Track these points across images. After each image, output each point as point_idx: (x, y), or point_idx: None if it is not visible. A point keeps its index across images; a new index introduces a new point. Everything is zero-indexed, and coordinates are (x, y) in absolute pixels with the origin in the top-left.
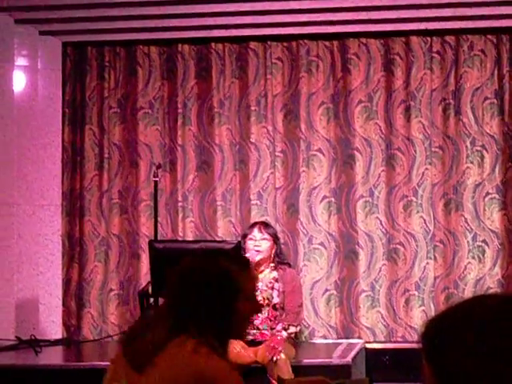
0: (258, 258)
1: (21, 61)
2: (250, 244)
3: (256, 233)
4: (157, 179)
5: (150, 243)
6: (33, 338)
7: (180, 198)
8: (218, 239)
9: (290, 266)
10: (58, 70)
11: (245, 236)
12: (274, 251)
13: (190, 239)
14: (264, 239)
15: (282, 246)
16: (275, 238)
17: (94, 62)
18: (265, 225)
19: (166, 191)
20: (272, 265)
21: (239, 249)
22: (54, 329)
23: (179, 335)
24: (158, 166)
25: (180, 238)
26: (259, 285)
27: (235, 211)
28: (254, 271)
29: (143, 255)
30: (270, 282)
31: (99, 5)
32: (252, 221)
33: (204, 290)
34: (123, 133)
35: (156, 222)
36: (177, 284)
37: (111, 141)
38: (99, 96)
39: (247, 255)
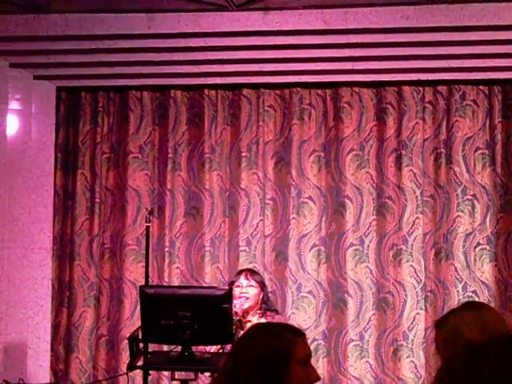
0: (245, 305)
1: (14, 104)
2: (236, 291)
3: (242, 280)
4: (149, 224)
5: (141, 288)
6: (21, 382)
7: (167, 244)
8: (204, 285)
9: (277, 312)
10: (51, 114)
11: (232, 283)
12: (261, 298)
13: (179, 285)
14: (250, 286)
15: (270, 294)
16: (262, 285)
17: (87, 106)
18: (251, 272)
19: (153, 236)
20: (259, 312)
21: (230, 295)
22: (41, 373)
23: None
24: (151, 212)
25: (165, 284)
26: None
27: (223, 258)
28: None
29: (125, 300)
30: None
31: (94, 50)
32: (240, 267)
33: (256, 362)
34: (115, 178)
35: (147, 267)
36: (231, 359)
37: (103, 185)
38: (92, 141)
39: (234, 302)
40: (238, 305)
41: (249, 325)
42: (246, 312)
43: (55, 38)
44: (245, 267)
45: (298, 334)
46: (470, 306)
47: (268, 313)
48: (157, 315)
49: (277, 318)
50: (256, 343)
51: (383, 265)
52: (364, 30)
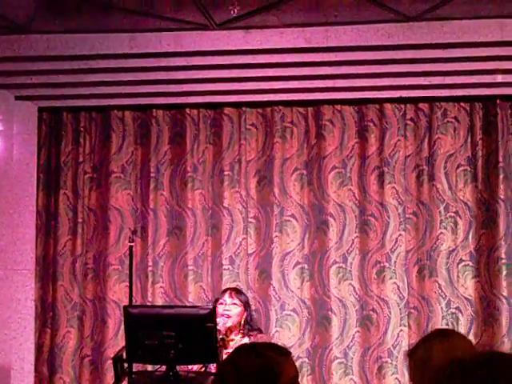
0: (228, 324)
1: None
2: (219, 308)
3: (227, 297)
4: (132, 244)
5: (125, 308)
6: None
7: (150, 263)
8: (188, 305)
9: (261, 331)
10: (33, 134)
11: (216, 301)
12: (244, 318)
13: (162, 304)
14: (234, 304)
15: (254, 314)
16: (246, 305)
17: (69, 126)
18: (236, 291)
19: (136, 256)
20: (242, 331)
21: (214, 314)
22: None
23: None
24: (134, 231)
25: (149, 304)
26: (230, 351)
27: (206, 276)
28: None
29: (109, 320)
30: None
31: (75, 70)
32: (223, 286)
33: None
34: (98, 198)
35: (131, 286)
36: (218, 381)
37: (85, 205)
38: (74, 161)
39: (217, 320)
40: (221, 323)
41: (232, 344)
42: (229, 330)
43: (36, 58)
44: (230, 286)
45: (285, 353)
46: (439, 334)
47: (251, 332)
48: (141, 335)
49: (259, 337)
50: (244, 364)
51: (366, 282)
52: (345, 48)
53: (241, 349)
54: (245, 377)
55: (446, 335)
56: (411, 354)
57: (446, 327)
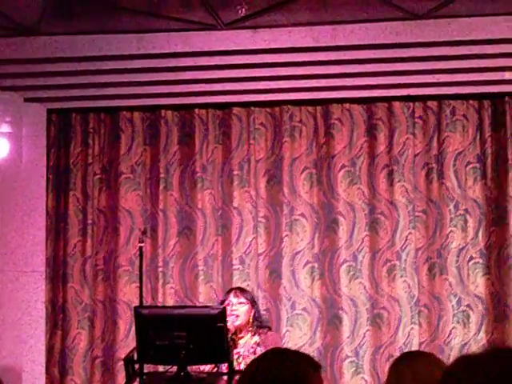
0: (237, 323)
1: (5, 127)
2: (227, 309)
3: (232, 297)
4: (142, 245)
5: (136, 309)
6: None
7: (160, 264)
8: (199, 305)
9: (270, 329)
10: (42, 136)
11: (222, 302)
12: (252, 315)
13: (173, 305)
14: (241, 303)
15: (264, 312)
16: (252, 302)
17: (78, 128)
18: (240, 290)
19: (146, 257)
20: (251, 329)
21: (225, 314)
22: None
23: None
24: (144, 232)
25: (159, 305)
26: (241, 351)
27: (217, 277)
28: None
29: (119, 321)
30: (252, 347)
31: (84, 72)
32: (234, 286)
33: None
34: (107, 199)
35: (141, 287)
36: (245, 382)
37: (95, 207)
38: (83, 162)
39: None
40: (230, 322)
41: (242, 342)
42: (238, 329)
43: (45, 60)
44: (240, 286)
45: (316, 368)
46: (406, 358)
47: (261, 330)
48: (152, 336)
49: (269, 335)
50: (273, 368)
51: (377, 281)
52: (353, 47)
53: (273, 353)
54: (275, 382)
55: (413, 359)
56: (387, 380)
57: (415, 349)
